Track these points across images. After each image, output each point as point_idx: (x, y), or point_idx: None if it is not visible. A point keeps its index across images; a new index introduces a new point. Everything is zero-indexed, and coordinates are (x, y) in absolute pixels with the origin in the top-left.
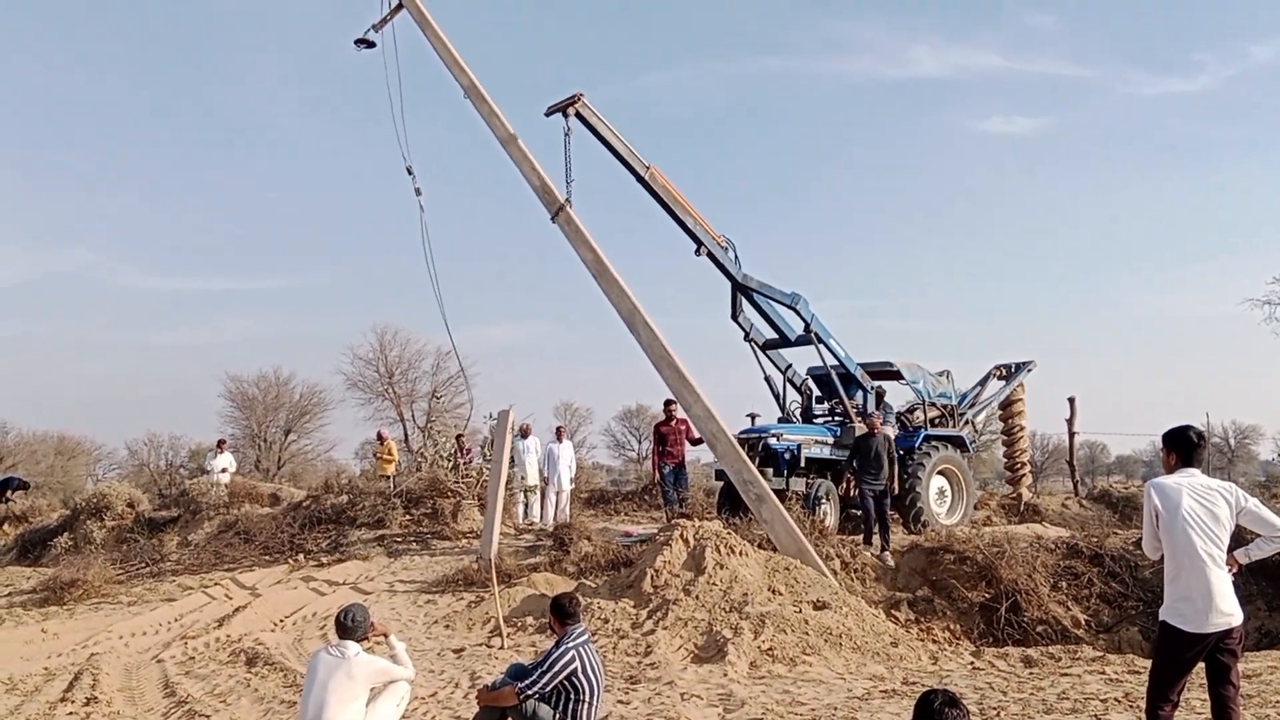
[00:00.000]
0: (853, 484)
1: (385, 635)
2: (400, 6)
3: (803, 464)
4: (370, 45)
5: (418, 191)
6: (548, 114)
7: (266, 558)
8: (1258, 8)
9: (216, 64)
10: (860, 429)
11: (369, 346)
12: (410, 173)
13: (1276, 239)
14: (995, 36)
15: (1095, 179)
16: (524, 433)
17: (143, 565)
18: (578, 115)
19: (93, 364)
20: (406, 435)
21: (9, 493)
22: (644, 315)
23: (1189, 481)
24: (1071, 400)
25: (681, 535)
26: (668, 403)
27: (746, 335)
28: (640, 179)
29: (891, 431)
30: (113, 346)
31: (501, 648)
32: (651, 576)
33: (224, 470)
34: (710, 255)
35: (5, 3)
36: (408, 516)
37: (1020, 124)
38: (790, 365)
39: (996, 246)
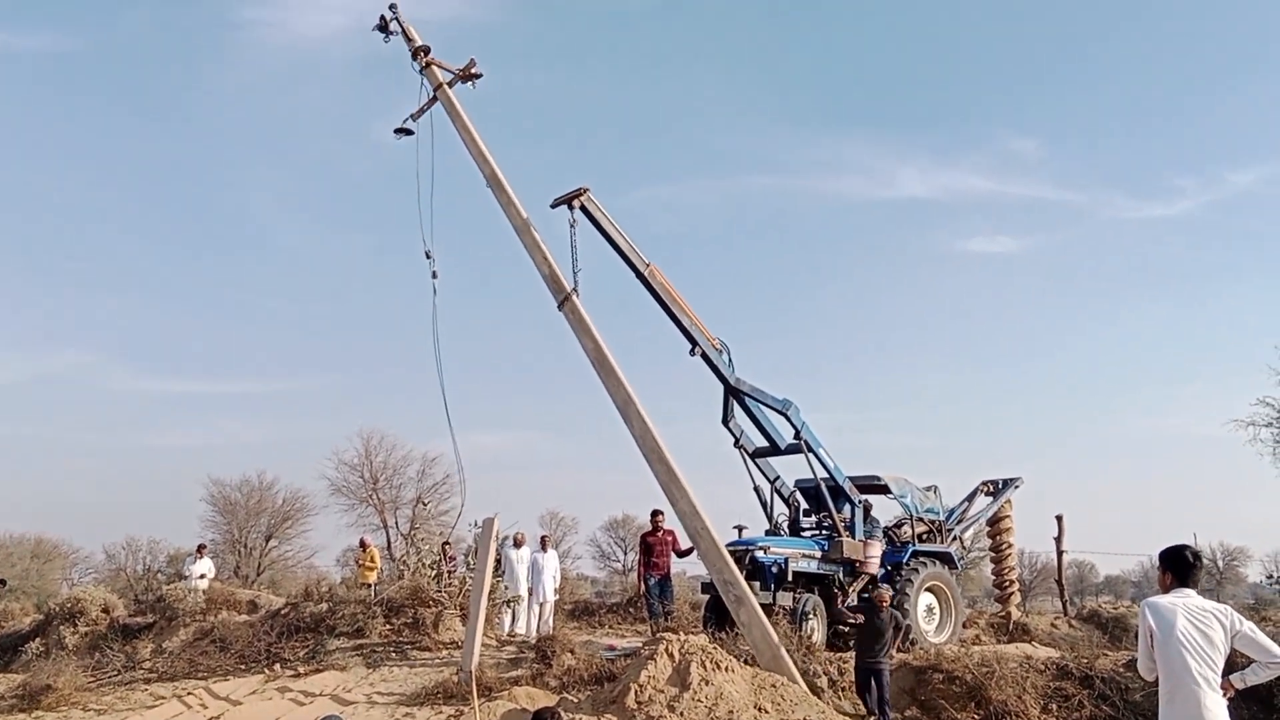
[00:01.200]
0: (840, 599)
1: None
2: (435, 99)
3: (790, 578)
4: (409, 133)
5: (434, 275)
6: (553, 206)
7: (242, 666)
8: (1235, 136)
9: (214, 171)
10: (865, 608)
11: (354, 452)
12: (429, 256)
13: (1259, 360)
14: (980, 159)
15: (1080, 299)
16: (517, 543)
17: (115, 673)
18: (582, 208)
19: (76, 466)
20: (389, 542)
21: None
22: (638, 407)
23: (1184, 602)
24: (1059, 518)
25: (667, 650)
26: (654, 513)
27: (736, 441)
28: (640, 275)
29: (878, 549)
30: (98, 448)
31: None
32: (635, 692)
33: (202, 576)
34: (704, 356)
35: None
36: (388, 626)
37: (1004, 243)
38: (779, 477)
39: (983, 363)
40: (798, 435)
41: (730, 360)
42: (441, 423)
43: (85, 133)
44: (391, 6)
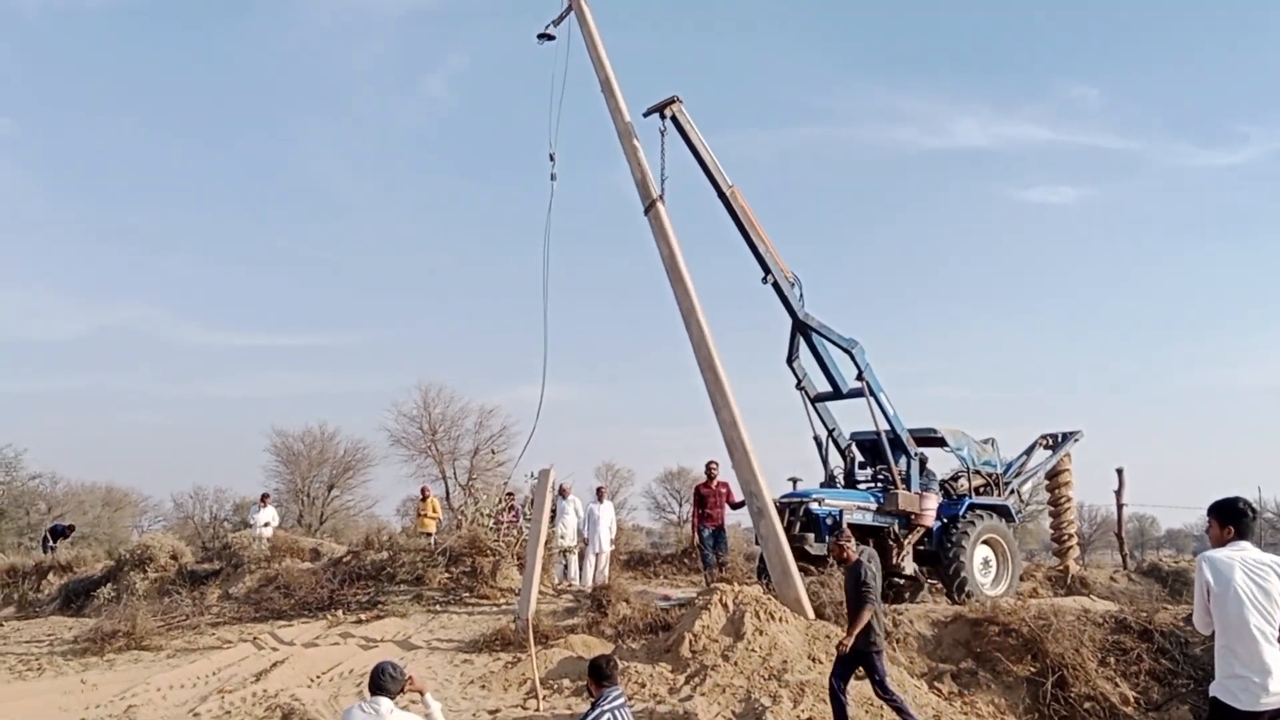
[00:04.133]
0: (898, 551)
1: (421, 693)
2: (570, 7)
3: (845, 530)
4: (551, 38)
5: (553, 176)
6: (646, 114)
7: (306, 612)
8: None
9: (272, 127)
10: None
11: (413, 404)
12: (552, 159)
13: None
14: (1039, 109)
15: (1142, 249)
16: (563, 493)
17: (184, 617)
18: (673, 119)
19: (143, 416)
20: (448, 493)
21: (55, 540)
22: (700, 316)
23: (1241, 555)
24: (1120, 471)
25: (720, 600)
26: (709, 465)
27: (799, 383)
28: (721, 194)
29: (934, 502)
30: (164, 399)
31: (538, 710)
32: (690, 641)
33: (266, 524)
34: (776, 286)
35: (71, 61)
36: (447, 574)
37: (1065, 193)
38: (836, 427)
39: (1042, 315)
40: (860, 377)
41: (802, 295)
42: (497, 375)
43: (146, 89)
44: None
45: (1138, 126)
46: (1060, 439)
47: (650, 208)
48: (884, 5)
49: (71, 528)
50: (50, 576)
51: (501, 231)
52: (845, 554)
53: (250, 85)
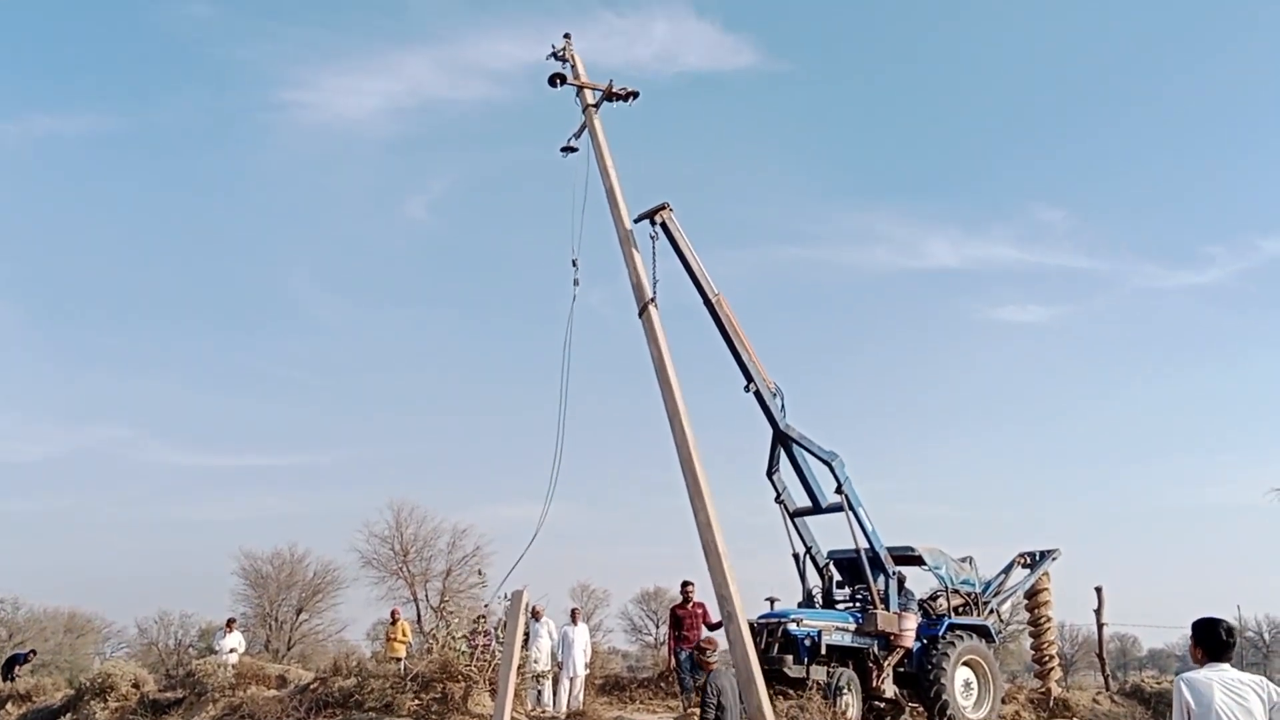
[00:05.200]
0: (878, 674)
1: None
2: (584, 127)
3: (823, 651)
4: (574, 150)
5: (575, 282)
6: (637, 220)
7: None
8: (1265, 204)
9: (252, 250)
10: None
11: (385, 524)
12: (575, 265)
13: None
14: (1009, 230)
15: (1114, 367)
16: (536, 615)
17: None
18: (663, 225)
19: (111, 539)
20: (419, 616)
21: (15, 669)
22: (685, 417)
23: (1220, 676)
24: (1099, 590)
25: None
26: (685, 585)
27: (778, 497)
28: (708, 301)
29: (913, 622)
30: (133, 522)
31: None
32: None
33: (232, 650)
34: (758, 395)
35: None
36: (417, 701)
37: (1035, 312)
38: (814, 545)
39: (1018, 433)
40: (839, 490)
41: (783, 405)
42: (470, 495)
43: (125, 213)
44: (565, 36)
45: (1105, 247)
46: (1038, 557)
47: (643, 310)
48: (855, 132)
49: (33, 653)
50: (9, 706)
51: (476, 351)
52: (706, 665)
53: (230, 209)
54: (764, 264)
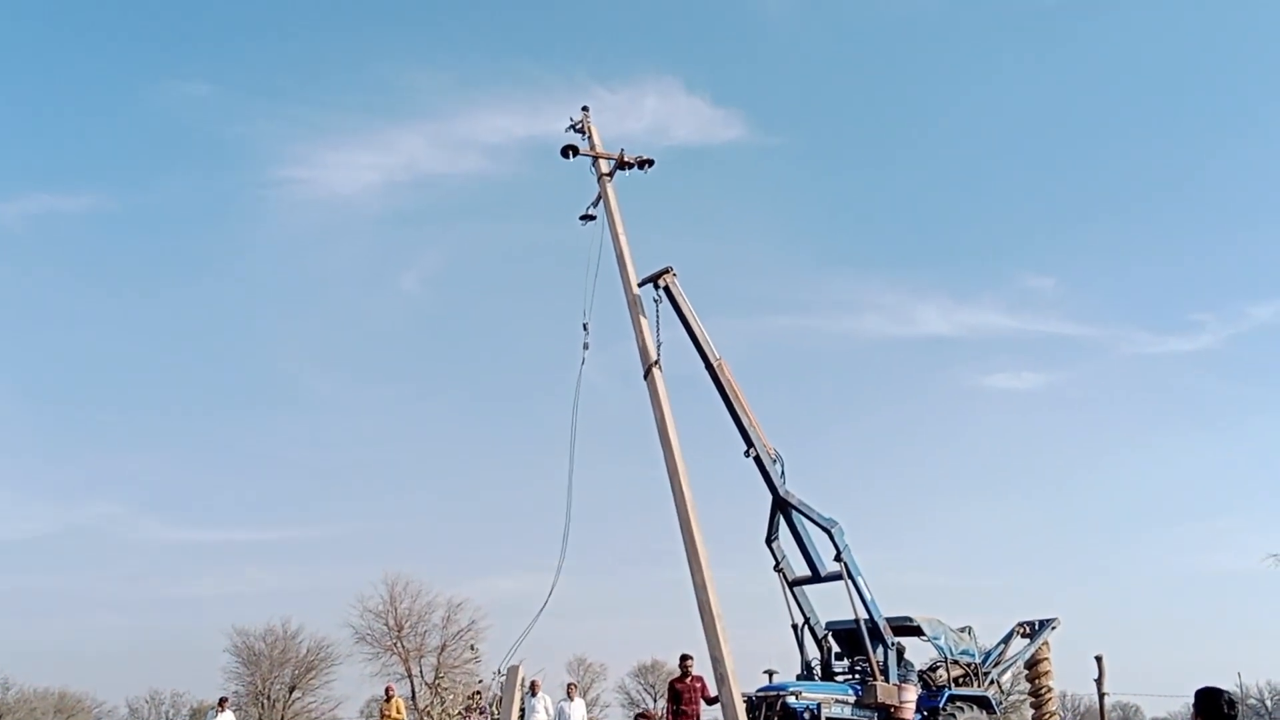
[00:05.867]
0: None
1: None
2: (599, 197)
3: None
4: (592, 218)
5: (585, 345)
6: (640, 284)
7: None
8: (1252, 270)
9: (247, 327)
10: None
11: (379, 598)
12: (585, 329)
13: None
14: (999, 297)
15: (1109, 434)
16: (533, 689)
17: None
18: (666, 289)
19: (103, 618)
20: (414, 692)
21: None
22: (684, 478)
23: None
24: (1099, 659)
25: None
26: (683, 658)
27: (777, 565)
28: (709, 366)
29: (913, 694)
30: (125, 600)
31: None
32: None
33: None
34: (757, 459)
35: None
36: None
37: (1027, 379)
38: (813, 615)
39: (1013, 500)
40: (838, 557)
41: (783, 472)
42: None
43: (119, 290)
44: (584, 109)
45: (1095, 314)
46: (1038, 626)
47: (648, 373)
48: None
49: None
50: None
51: (469, 424)
52: None
53: (224, 285)
54: (759, 333)
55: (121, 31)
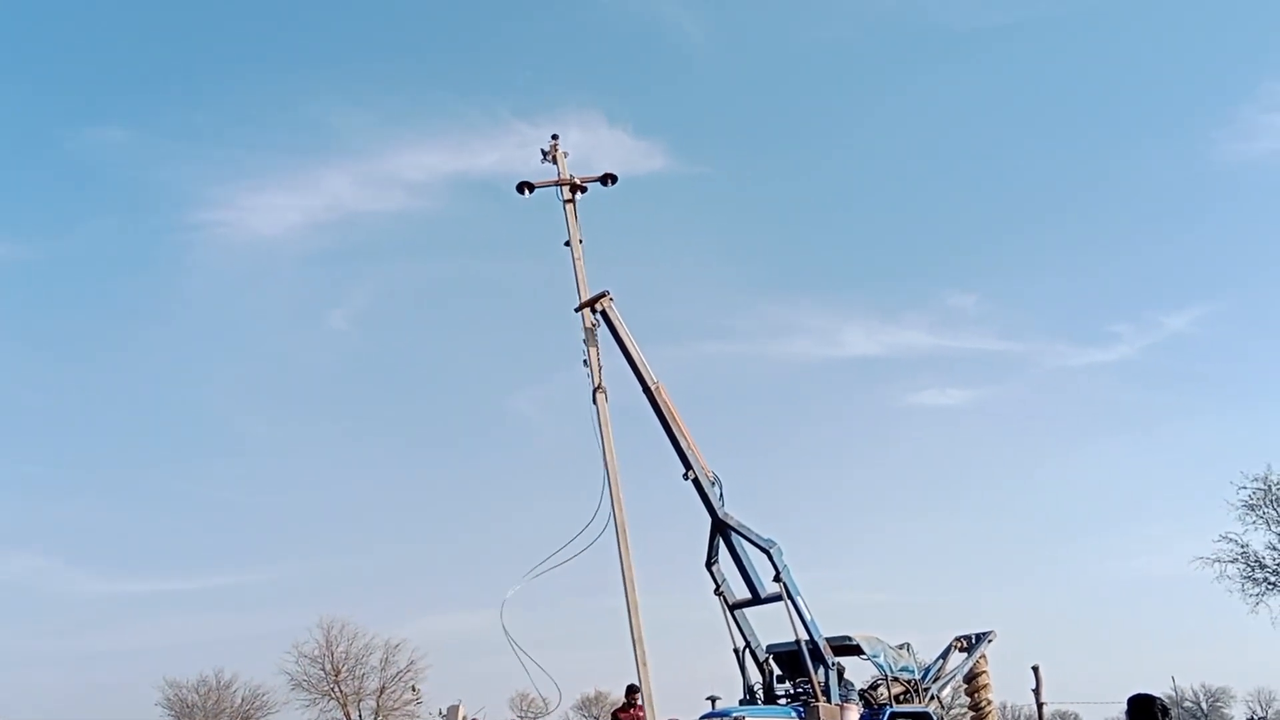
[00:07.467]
0: None
1: None
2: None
3: None
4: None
5: (585, 363)
6: (577, 309)
7: None
8: (1165, 281)
9: (174, 370)
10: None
11: (315, 643)
12: (586, 365)
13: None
14: (923, 316)
15: (1036, 446)
16: None
17: None
18: (603, 313)
19: (28, 674)
20: None
21: None
22: (622, 518)
23: None
24: (1036, 669)
25: None
26: (629, 689)
27: (717, 588)
28: (647, 390)
29: (855, 714)
30: (52, 655)
31: None
32: None
33: None
34: (696, 482)
35: None
36: None
37: (954, 395)
38: (754, 638)
39: (945, 516)
40: (778, 577)
41: (722, 494)
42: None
43: (41, 340)
44: (554, 136)
45: (1016, 329)
46: (974, 640)
47: (596, 391)
48: (771, 228)
49: None
50: None
51: (403, 463)
52: None
53: (149, 330)
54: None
55: (33, 79)
